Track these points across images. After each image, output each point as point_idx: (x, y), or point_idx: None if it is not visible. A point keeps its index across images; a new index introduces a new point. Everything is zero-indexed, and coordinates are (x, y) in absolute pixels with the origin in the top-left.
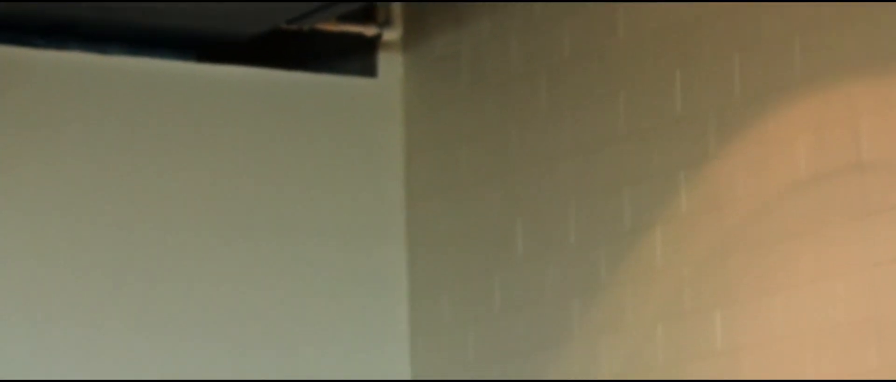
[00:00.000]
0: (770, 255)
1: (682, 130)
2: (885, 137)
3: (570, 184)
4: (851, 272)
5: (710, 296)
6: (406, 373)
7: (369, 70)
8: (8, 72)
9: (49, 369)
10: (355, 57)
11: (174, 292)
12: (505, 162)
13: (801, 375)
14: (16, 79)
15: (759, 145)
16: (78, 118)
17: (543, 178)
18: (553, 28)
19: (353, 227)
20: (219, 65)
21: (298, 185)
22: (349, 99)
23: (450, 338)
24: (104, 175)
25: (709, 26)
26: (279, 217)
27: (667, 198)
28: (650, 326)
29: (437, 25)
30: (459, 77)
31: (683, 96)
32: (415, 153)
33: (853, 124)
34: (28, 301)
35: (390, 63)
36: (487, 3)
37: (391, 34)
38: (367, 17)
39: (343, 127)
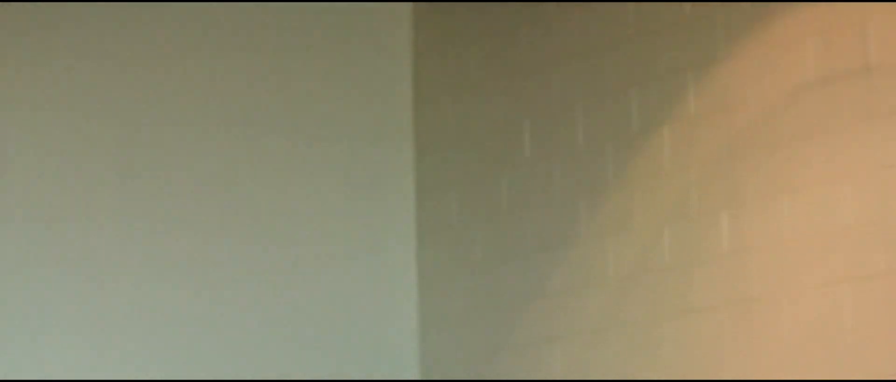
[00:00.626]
0: (778, 157)
1: (690, 31)
2: (893, 39)
3: (578, 84)
4: (859, 174)
5: (718, 198)
6: (412, 273)
7: None
8: None
9: (52, 267)
10: None
11: (180, 188)
12: (513, 62)
13: (808, 276)
14: None
15: (768, 47)
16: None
17: (551, 79)
18: None
19: (361, 127)
20: None
21: (307, 85)
22: None
23: (457, 238)
24: (111, 72)
25: None
26: (286, 115)
27: (674, 100)
28: (657, 227)
29: None
30: None
31: None
32: (423, 53)
33: (861, 26)
34: (31, 198)
35: None
36: None
37: None
38: None
39: (352, 27)
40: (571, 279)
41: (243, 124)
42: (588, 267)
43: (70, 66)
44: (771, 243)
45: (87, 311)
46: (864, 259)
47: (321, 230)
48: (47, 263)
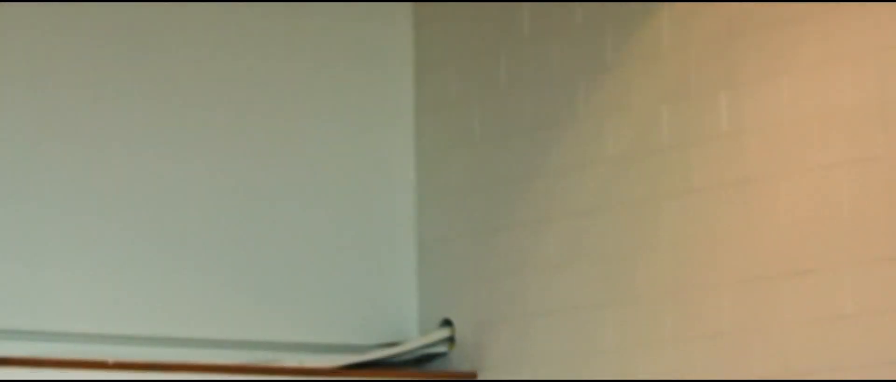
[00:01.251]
0: (776, 38)
1: None
2: None
3: None
4: (858, 55)
5: (716, 78)
6: (410, 149)
7: None
8: None
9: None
10: None
11: (186, 61)
12: None
13: (807, 157)
14: None
15: None
16: None
17: None
18: None
19: (360, 3)
20: None
21: None
22: None
23: (455, 115)
24: None
25: None
26: None
27: None
28: (655, 107)
29: None
30: None
31: None
32: None
33: None
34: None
35: None
36: None
37: None
38: None
39: None
40: (569, 158)
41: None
42: (586, 146)
43: None
44: (769, 124)
45: (91, 183)
46: (863, 141)
47: (320, 104)
48: (52, 135)
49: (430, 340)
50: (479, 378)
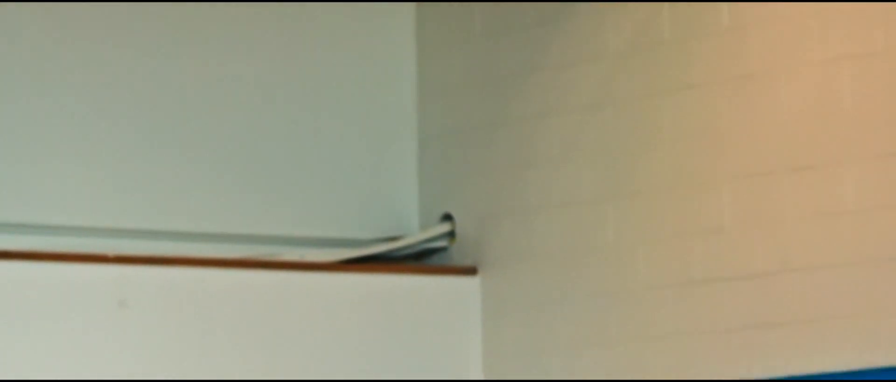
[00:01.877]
0: None
1: None
2: None
3: None
4: None
5: None
6: (411, 44)
7: None
8: None
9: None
10: None
11: (194, 11)
12: None
13: (808, 52)
14: None
15: None
16: None
17: None
18: None
19: None
20: None
21: None
22: None
23: (455, 10)
24: None
25: None
26: None
27: None
28: (656, 1)
29: None
30: None
31: None
32: None
33: None
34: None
35: None
36: None
37: None
38: None
39: None
40: (570, 53)
41: None
42: (586, 40)
43: None
44: (770, 19)
45: (92, 77)
46: (864, 36)
47: (322, 39)
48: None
49: (431, 234)
50: (480, 272)
